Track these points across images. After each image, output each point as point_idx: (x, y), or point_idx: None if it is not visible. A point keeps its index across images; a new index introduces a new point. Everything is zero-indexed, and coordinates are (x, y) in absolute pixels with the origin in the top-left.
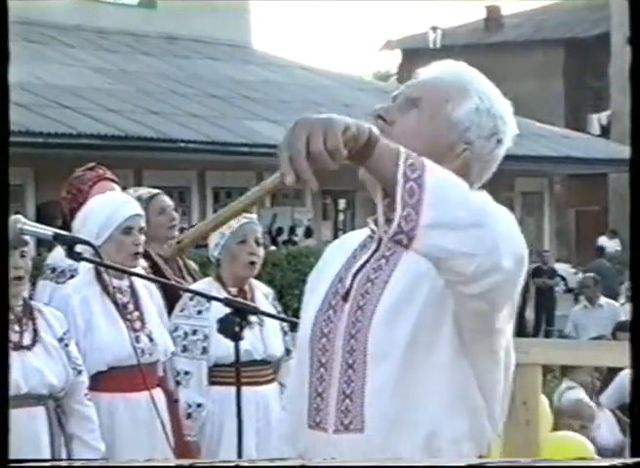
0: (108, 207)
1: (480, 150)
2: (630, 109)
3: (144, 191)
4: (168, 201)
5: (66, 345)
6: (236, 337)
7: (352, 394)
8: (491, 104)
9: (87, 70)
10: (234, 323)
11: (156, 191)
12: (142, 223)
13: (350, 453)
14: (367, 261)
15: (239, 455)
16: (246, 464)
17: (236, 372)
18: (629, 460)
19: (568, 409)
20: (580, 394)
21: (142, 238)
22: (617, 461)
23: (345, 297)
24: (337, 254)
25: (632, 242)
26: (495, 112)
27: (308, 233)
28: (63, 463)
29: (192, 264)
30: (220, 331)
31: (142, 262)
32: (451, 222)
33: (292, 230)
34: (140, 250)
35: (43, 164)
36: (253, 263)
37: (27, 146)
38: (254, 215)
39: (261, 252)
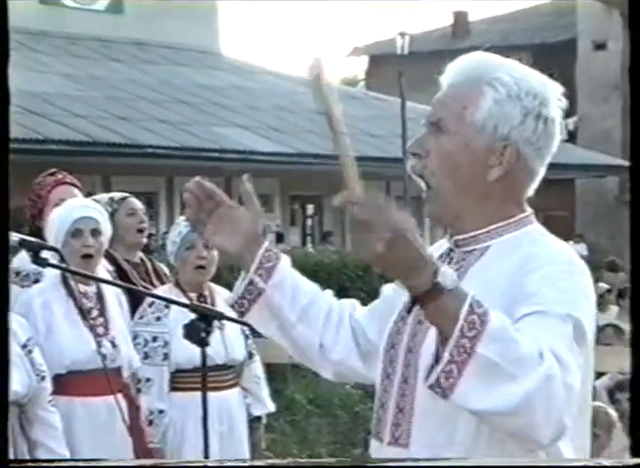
0: (61, 212)
1: (522, 137)
2: (630, 109)
3: (117, 194)
4: (138, 204)
5: (30, 351)
6: (202, 343)
7: (404, 408)
8: (509, 88)
9: (55, 76)
10: (200, 328)
11: (127, 194)
12: (95, 226)
13: None
14: None
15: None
16: (214, 464)
17: (202, 378)
18: (630, 460)
19: None
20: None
21: (98, 240)
22: (617, 461)
23: (409, 310)
24: None
25: (632, 241)
26: (517, 93)
27: (280, 238)
28: (63, 463)
29: (163, 268)
30: (186, 336)
31: (107, 266)
32: (490, 391)
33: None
34: (90, 251)
35: (11, 170)
36: (202, 267)
37: None
38: None
39: (213, 255)
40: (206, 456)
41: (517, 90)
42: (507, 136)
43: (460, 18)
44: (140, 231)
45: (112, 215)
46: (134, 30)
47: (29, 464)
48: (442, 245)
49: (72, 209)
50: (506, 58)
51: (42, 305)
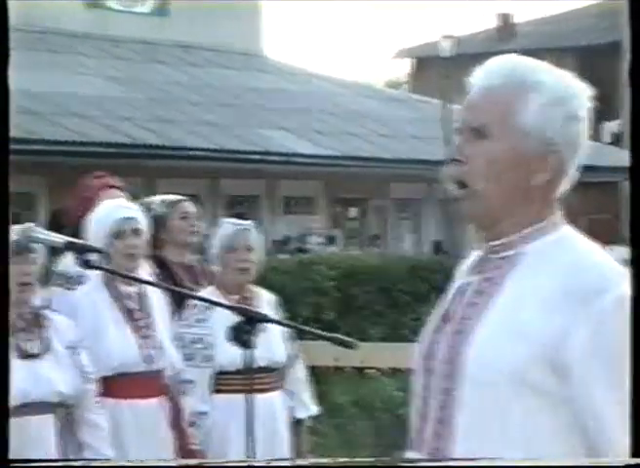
0: (101, 214)
1: (564, 140)
2: (630, 109)
3: (170, 197)
4: (191, 207)
5: (76, 353)
6: (247, 345)
7: (444, 420)
8: (553, 92)
9: (99, 79)
10: (245, 330)
11: (181, 197)
12: (136, 225)
13: None
14: (471, 283)
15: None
16: (261, 464)
17: (247, 380)
18: (630, 460)
19: None
20: None
21: (140, 239)
22: (617, 461)
23: (446, 319)
24: (461, 272)
25: (633, 241)
26: (560, 96)
27: (331, 241)
28: (64, 463)
29: (213, 270)
30: (231, 338)
31: (148, 268)
32: None
33: (302, 238)
34: (133, 251)
35: (55, 172)
36: (243, 270)
37: (40, 154)
38: (247, 222)
39: (255, 257)
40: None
41: (560, 93)
42: (552, 141)
43: (505, 19)
44: (192, 234)
45: (164, 218)
46: (178, 33)
47: (29, 464)
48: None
49: (112, 210)
50: (540, 61)
51: (89, 308)
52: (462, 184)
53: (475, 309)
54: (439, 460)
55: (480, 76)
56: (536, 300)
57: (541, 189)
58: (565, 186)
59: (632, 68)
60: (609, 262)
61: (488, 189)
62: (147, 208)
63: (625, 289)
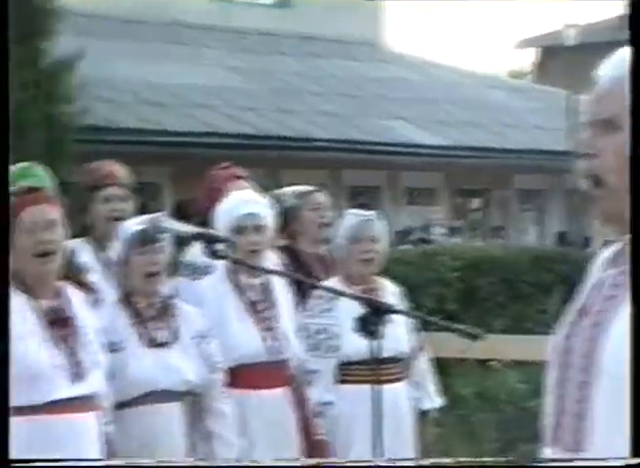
0: (225, 207)
1: None
2: (630, 109)
3: (301, 188)
4: (323, 198)
5: (204, 342)
6: (375, 336)
7: (582, 414)
8: None
9: (221, 70)
10: (372, 321)
11: (312, 188)
12: (259, 222)
13: None
14: (608, 276)
15: (374, 455)
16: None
17: (374, 371)
18: (630, 460)
19: None
20: None
21: (263, 236)
22: (617, 461)
23: (582, 313)
24: (597, 266)
25: (633, 240)
26: None
27: (454, 231)
28: (64, 463)
29: None
30: (358, 329)
31: (274, 258)
32: None
33: (425, 229)
34: (254, 248)
35: (180, 163)
36: (368, 261)
37: (165, 145)
38: (371, 212)
39: (380, 248)
40: (377, 449)
41: None
42: None
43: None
44: (324, 225)
45: (296, 209)
46: (300, 24)
47: (30, 464)
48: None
49: (236, 205)
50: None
51: (214, 298)
52: (595, 178)
53: (613, 302)
54: (569, 460)
55: (609, 66)
56: None
57: None
58: None
59: (632, 68)
60: None
61: (620, 183)
62: (278, 199)
63: None
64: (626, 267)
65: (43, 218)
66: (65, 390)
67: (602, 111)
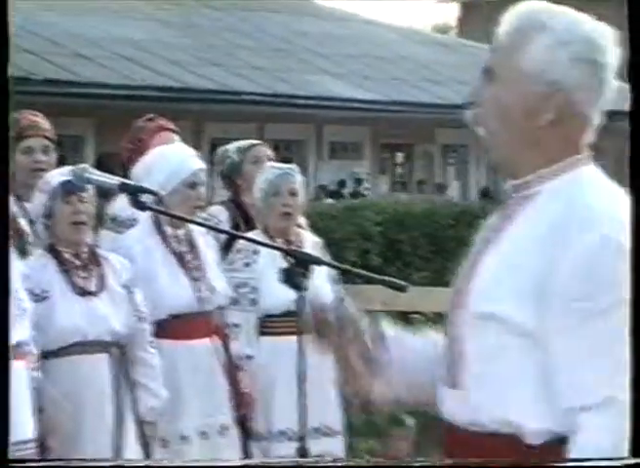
0: (175, 158)
1: (572, 83)
2: (630, 109)
3: (245, 143)
4: (265, 151)
5: (130, 292)
6: (300, 288)
7: (455, 351)
8: (559, 34)
9: (151, 23)
10: (298, 273)
11: (256, 142)
12: (204, 177)
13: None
14: (494, 221)
15: (299, 406)
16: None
17: (299, 322)
18: (630, 460)
19: None
20: None
21: (203, 191)
22: (617, 461)
23: (471, 256)
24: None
25: (633, 239)
26: (567, 39)
27: (378, 186)
28: (63, 463)
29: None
30: (284, 281)
31: (218, 212)
32: None
33: (353, 182)
34: (201, 204)
35: (103, 115)
36: (287, 214)
37: (88, 97)
38: (292, 166)
39: (298, 202)
40: (300, 401)
41: (567, 36)
42: (557, 82)
43: None
44: None
45: (238, 164)
46: None
47: (29, 464)
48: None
49: (188, 158)
50: (559, 5)
51: (142, 252)
52: (480, 126)
53: (487, 244)
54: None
55: (502, 22)
56: (535, 236)
57: (551, 131)
58: (587, 130)
59: (632, 68)
60: (611, 205)
61: (498, 132)
62: (224, 155)
63: (613, 232)
64: (506, 212)
65: None
66: None
67: (486, 62)
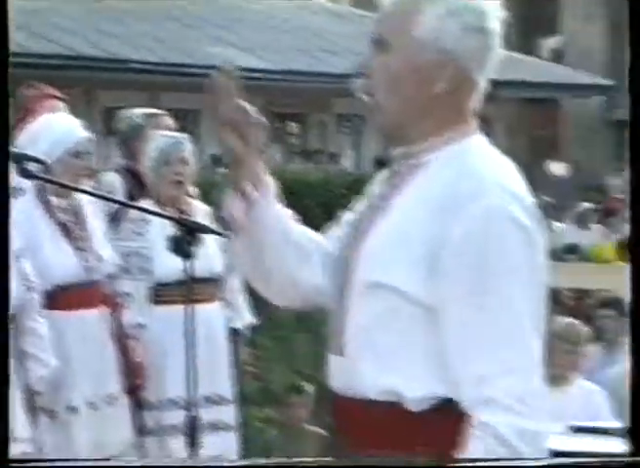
0: (59, 128)
1: (463, 51)
2: (630, 104)
3: (150, 110)
4: (168, 121)
5: (18, 262)
6: (188, 255)
7: (340, 320)
8: (448, 3)
9: None
10: (185, 241)
11: (158, 111)
12: (89, 148)
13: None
14: (381, 189)
15: (187, 375)
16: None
17: (187, 291)
18: (630, 460)
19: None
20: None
21: (90, 161)
22: (617, 461)
23: (352, 225)
24: (379, 180)
25: (632, 239)
26: (456, 8)
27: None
28: (64, 463)
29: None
30: (171, 249)
31: (113, 179)
32: None
33: None
34: (89, 172)
35: None
36: (178, 182)
37: None
38: (183, 134)
39: (189, 171)
40: (190, 370)
41: (456, 5)
42: (449, 51)
43: None
44: None
45: (139, 130)
46: None
47: (29, 464)
48: None
49: (72, 127)
50: None
51: (25, 220)
52: (368, 96)
53: (375, 213)
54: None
55: None
56: (425, 206)
57: (443, 99)
58: (475, 98)
59: (632, 67)
60: (501, 175)
61: (389, 101)
62: (126, 117)
63: (505, 202)
64: (394, 180)
65: None
66: None
67: (374, 32)
